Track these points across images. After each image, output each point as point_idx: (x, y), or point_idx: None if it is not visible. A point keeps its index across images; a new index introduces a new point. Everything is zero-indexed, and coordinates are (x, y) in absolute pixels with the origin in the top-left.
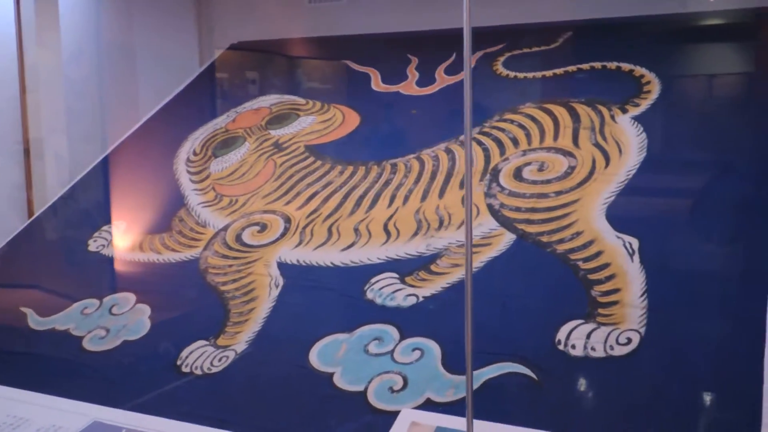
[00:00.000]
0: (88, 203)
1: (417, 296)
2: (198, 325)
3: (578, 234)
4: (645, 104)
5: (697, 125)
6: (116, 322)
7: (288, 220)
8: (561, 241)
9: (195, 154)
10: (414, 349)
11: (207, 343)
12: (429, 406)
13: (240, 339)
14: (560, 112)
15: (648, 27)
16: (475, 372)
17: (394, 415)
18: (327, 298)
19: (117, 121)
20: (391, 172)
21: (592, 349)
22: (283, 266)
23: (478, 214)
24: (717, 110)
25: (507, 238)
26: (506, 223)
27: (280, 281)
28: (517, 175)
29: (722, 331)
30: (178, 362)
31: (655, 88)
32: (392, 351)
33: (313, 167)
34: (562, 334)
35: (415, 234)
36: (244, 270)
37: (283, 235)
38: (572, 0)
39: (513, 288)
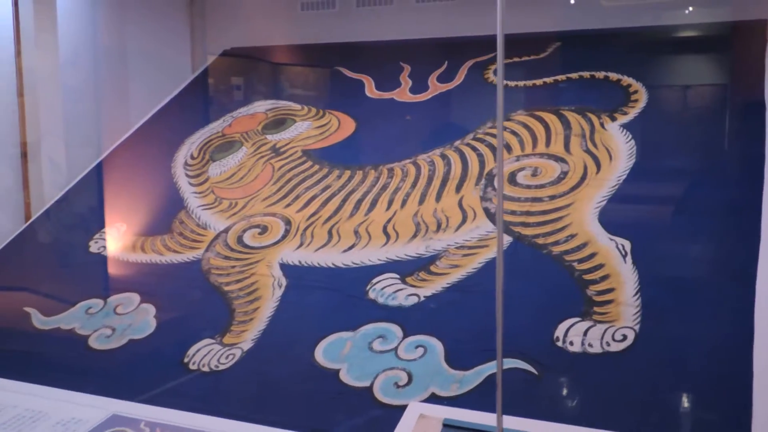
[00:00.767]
0: (87, 205)
1: (418, 296)
2: (203, 324)
3: (572, 236)
4: (633, 112)
5: (683, 132)
6: (121, 321)
7: (288, 222)
8: (556, 243)
9: (193, 157)
10: (417, 347)
11: (213, 341)
12: (434, 400)
13: (246, 337)
14: (551, 119)
15: (633, 38)
16: (478, 367)
17: (401, 408)
18: (330, 297)
19: (111, 125)
20: (388, 176)
21: (590, 345)
22: (285, 267)
23: (474, 217)
24: (701, 118)
25: (503, 240)
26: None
27: (283, 281)
28: (512, 180)
29: (713, 327)
30: (185, 360)
31: (642, 97)
32: (396, 348)
33: (311, 171)
34: (560, 332)
35: (414, 236)
36: (247, 271)
37: (284, 237)
38: (559, 11)
39: (511, 288)
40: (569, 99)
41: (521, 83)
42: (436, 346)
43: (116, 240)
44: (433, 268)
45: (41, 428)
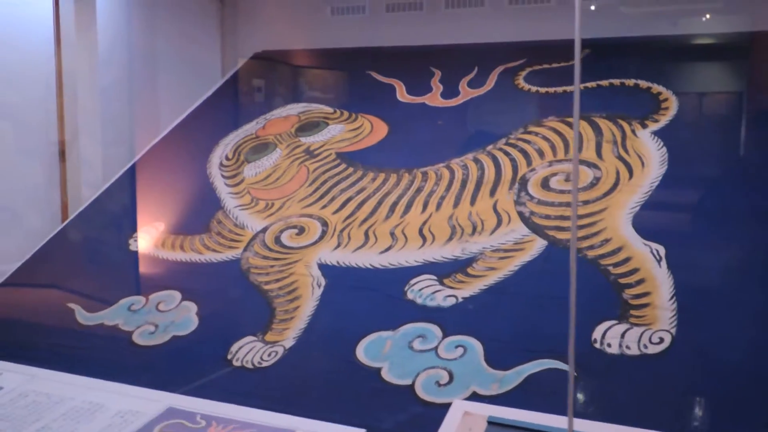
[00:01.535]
0: (125, 204)
1: (456, 297)
2: (245, 321)
3: (607, 241)
4: (664, 120)
5: (714, 140)
6: (164, 318)
7: (325, 223)
8: (591, 247)
9: (227, 159)
10: (457, 346)
11: (255, 338)
12: (475, 399)
13: (288, 335)
14: (582, 125)
15: (661, 47)
16: (518, 367)
17: (443, 407)
18: (369, 297)
19: (143, 126)
20: (422, 179)
21: (627, 347)
22: (323, 267)
23: (509, 221)
24: (733, 126)
25: (539, 244)
26: (537, 230)
27: (322, 281)
28: (545, 184)
29: (749, 331)
30: (229, 356)
31: (672, 105)
32: (436, 348)
33: (346, 173)
34: (597, 334)
35: (450, 239)
36: (286, 270)
37: (321, 237)
38: (589, 19)
39: (548, 290)
40: (600, 106)
41: (552, 89)
42: (476, 346)
43: (155, 239)
44: (470, 270)
45: (100, 419)
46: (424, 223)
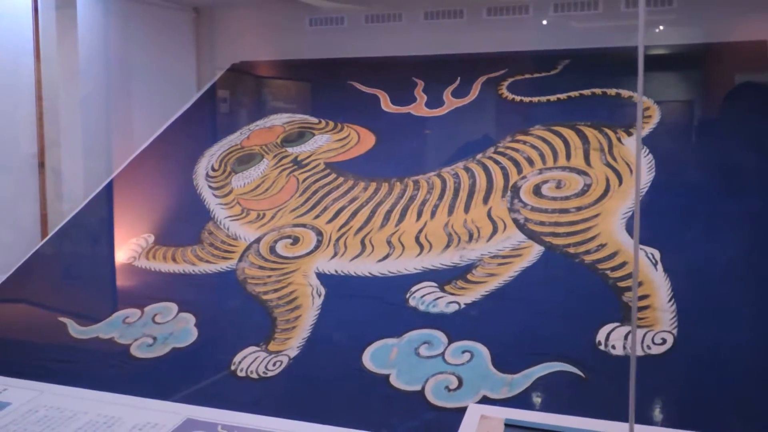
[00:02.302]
0: (111, 216)
1: (458, 303)
2: (245, 332)
3: (603, 246)
4: (648, 128)
5: (699, 146)
6: (161, 330)
7: (320, 233)
8: (587, 252)
9: (214, 169)
10: (464, 352)
11: (258, 348)
12: (486, 402)
13: (291, 345)
14: (569, 134)
15: (638, 56)
16: (526, 371)
17: (455, 411)
18: (370, 305)
19: (121, 138)
20: (414, 188)
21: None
22: (321, 276)
23: (505, 228)
24: (715, 131)
25: (536, 250)
26: (533, 236)
27: (322, 290)
28: (537, 191)
29: (749, 330)
30: (233, 367)
31: (655, 114)
32: (443, 353)
33: (336, 183)
34: (601, 336)
35: (447, 246)
36: (284, 280)
37: (317, 247)
38: (567, 30)
39: (548, 294)
40: (584, 114)
41: (535, 99)
42: (482, 351)
43: (145, 250)
44: (470, 277)
45: None
46: (420, 231)
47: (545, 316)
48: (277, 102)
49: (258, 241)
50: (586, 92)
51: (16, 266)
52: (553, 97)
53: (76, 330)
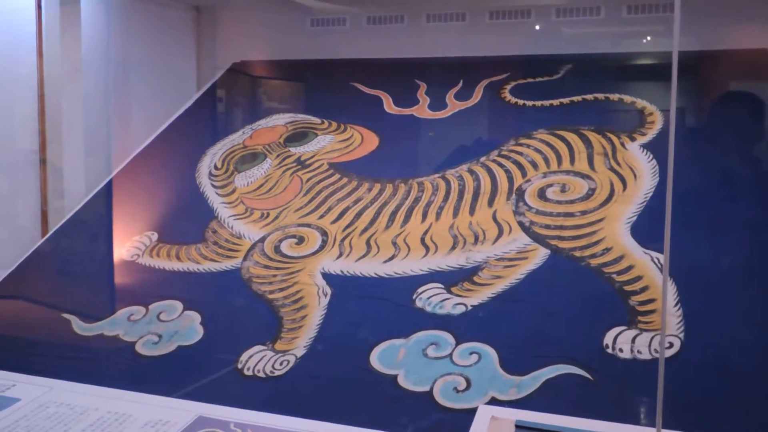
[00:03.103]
0: (113, 214)
1: (465, 305)
2: (252, 331)
3: (608, 250)
4: (651, 133)
5: (703, 152)
6: (167, 328)
7: (325, 233)
8: (593, 255)
9: (217, 168)
10: (471, 353)
11: (265, 347)
12: (494, 404)
13: (298, 344)
14: (573, 138)
15: (641, 63)
16: (534, 373)
17: (464, 412)
18: (377, 306)
19: (122, 136)
20: (419, 190)
21: (639, 351)
22: (327, 276)
23: (510, 230)
24: (718, 138)
25: (542, 253)
26: (539, 239)
27: (328, 290)
28: (542, 195)
29: (755, 333)
30: (239, 366)
31: (657, 119)
32: (450, 354)
33: (340, 184)
34: (608, 339)
35: (453, 248)
36: (290, 279)
37: (322, 247)
38: (569, 35)
39: (555, 297)
40: (587, 119)
41: (538, 103)
42: (490, 352)
43: (149, 248)
44: (476, 279)
45: (130, 430)
46: (426, 232)
47: (552, 318)
48: (278, 102)
49: (262, 240)
50: (589, 97)
51: (18, 263)
52: (556, 102)
53: (80, 327)
